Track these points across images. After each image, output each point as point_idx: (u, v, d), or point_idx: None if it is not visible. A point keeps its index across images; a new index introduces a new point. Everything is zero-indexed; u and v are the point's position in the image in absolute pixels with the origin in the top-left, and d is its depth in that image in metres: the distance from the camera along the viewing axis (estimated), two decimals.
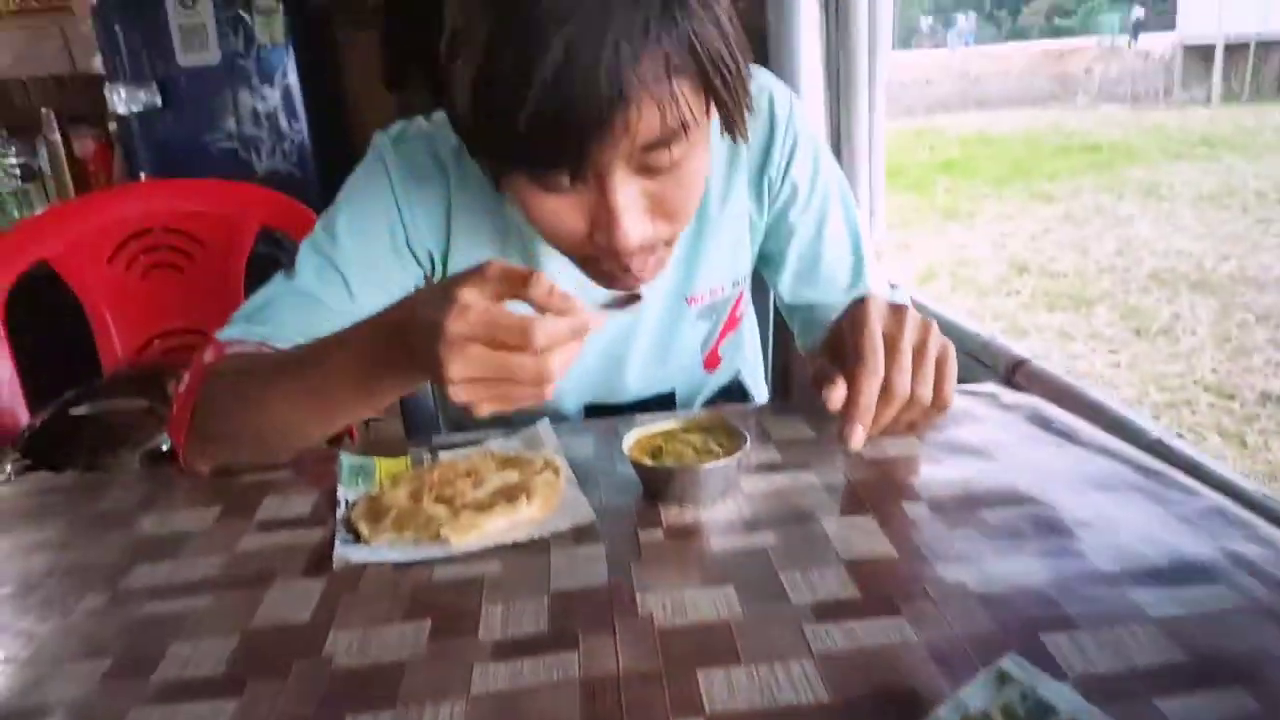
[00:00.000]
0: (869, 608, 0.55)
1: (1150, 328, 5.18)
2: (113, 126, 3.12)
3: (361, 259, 0.90)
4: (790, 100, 0.97)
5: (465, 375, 0.61)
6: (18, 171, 3.23)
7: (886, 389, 0.70)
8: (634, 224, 0.73)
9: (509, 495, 0.71)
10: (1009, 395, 0.87)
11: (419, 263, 0.94)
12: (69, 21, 3.36)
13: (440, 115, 0.94)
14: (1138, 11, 28.48)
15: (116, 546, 0.72)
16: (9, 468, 1.21)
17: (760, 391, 1.22)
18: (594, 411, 1.04)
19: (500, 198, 0.88)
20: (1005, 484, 0.70)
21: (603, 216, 0.73)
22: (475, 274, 0.62)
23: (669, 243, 0.81)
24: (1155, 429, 0.81)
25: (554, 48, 0.63)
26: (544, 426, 0.87)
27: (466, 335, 0.60)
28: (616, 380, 1.03)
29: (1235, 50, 17.99)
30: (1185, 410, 4.17)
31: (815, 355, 0.83)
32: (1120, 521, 0.63)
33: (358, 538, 0.69)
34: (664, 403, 1.06)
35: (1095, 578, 0.57)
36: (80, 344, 1.47)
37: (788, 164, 0.96)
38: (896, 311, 0.73)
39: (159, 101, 2.97)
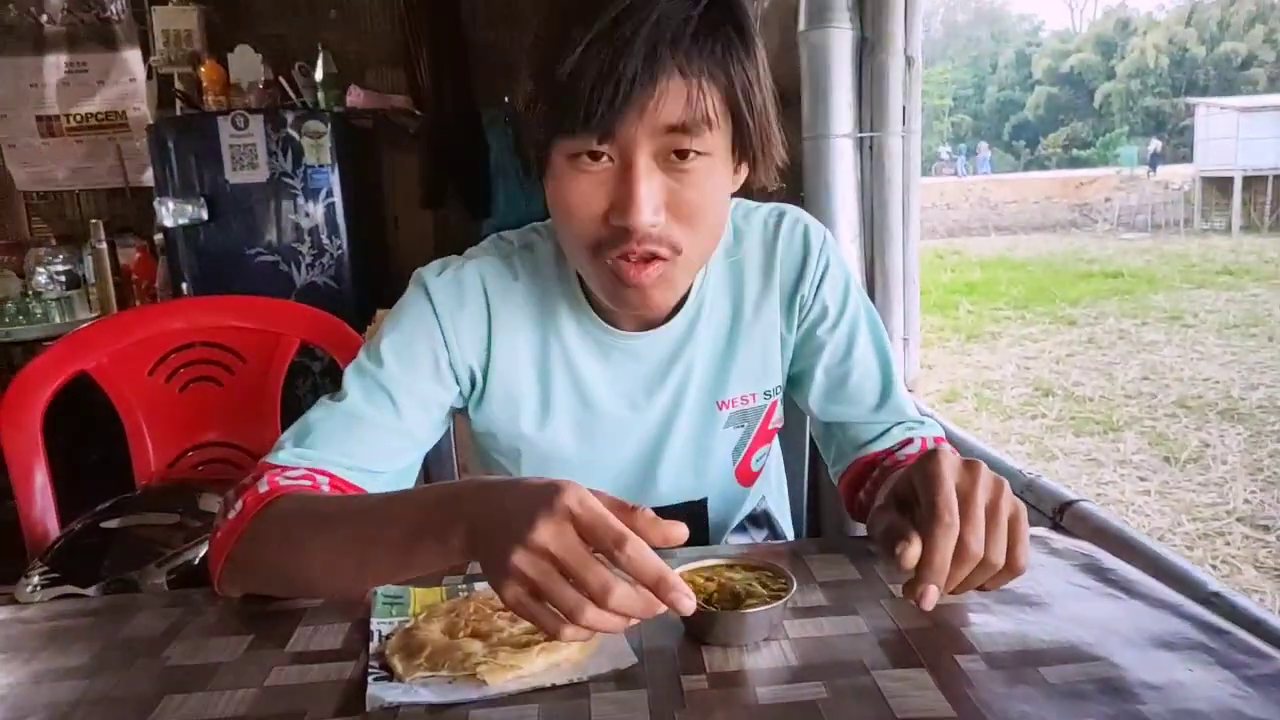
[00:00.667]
0: None
1: (1180, 455, 5.10)
2: (158, 238, 3.21)
3: (407, 380, 0.92)
4: (824, 233, 1.02)
5: (549, 547, 0.59)
6: (63, 278, 3.33)
7: (960, 549, 0.68)
8: (648, 203, 0.77)
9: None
10: (1060, 540, 0.85)
11: (458, 381, 0.97)
12: (125, 138, 3.52)
13: (476, 249, 1.01)
14: (1155, 144, 29.20)
15: (145, 676, 0.70)
16: (35, 579, 1.21)
17: (786, 525, 1.22)
18: None
19: (540, 309, 0.96)
20: (1063, 638, 0.68)
21: (622, 197, 0.78)
22: (583, 490, 0.62)
23: (676, 256, 0.82)
24: (1213, 581, 0.78)
25: (600, 21, 0.73)
26: None
27: (576, 513, 0.60)
28: (649, 483, 1.03)
29: (1253, 181, 18.30)
30: (1219, 541, 4.07)
31: (881, 509, 0.81)
32: (1188, 685, 0.61)
33: (390, 673, 0.67)
34: (695, 510, 1.05)
35: None
36: (116, 454, 1.48)
37: (819, 286, 1.00)
38: (969, 467, 0.72)
39: (205, 215, 3.07)
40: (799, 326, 1.01)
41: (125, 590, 1.17)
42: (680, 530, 0.62)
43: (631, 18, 0.73)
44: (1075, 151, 41.49)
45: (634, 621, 0.61)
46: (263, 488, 0.83)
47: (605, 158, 0.78)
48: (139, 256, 3.30)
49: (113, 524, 1.24)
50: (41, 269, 3.32)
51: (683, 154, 0.78)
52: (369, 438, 0.90)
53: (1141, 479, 4.85)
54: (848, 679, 0.64)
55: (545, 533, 0.59)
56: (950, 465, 0.71)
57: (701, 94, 0.76)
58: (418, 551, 0.71)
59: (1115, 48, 42.70)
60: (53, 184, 3.57)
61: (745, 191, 0.94)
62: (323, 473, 0.87)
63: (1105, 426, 5.76)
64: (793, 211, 1.02)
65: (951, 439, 1.33)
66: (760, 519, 1.16)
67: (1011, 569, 0.71)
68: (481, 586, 0.81)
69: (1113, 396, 6.44)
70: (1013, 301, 10.65)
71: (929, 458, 0.72)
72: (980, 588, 0.72)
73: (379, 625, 0.74)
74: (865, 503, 0.97)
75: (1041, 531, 0.88)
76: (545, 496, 0.61)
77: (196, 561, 1.22)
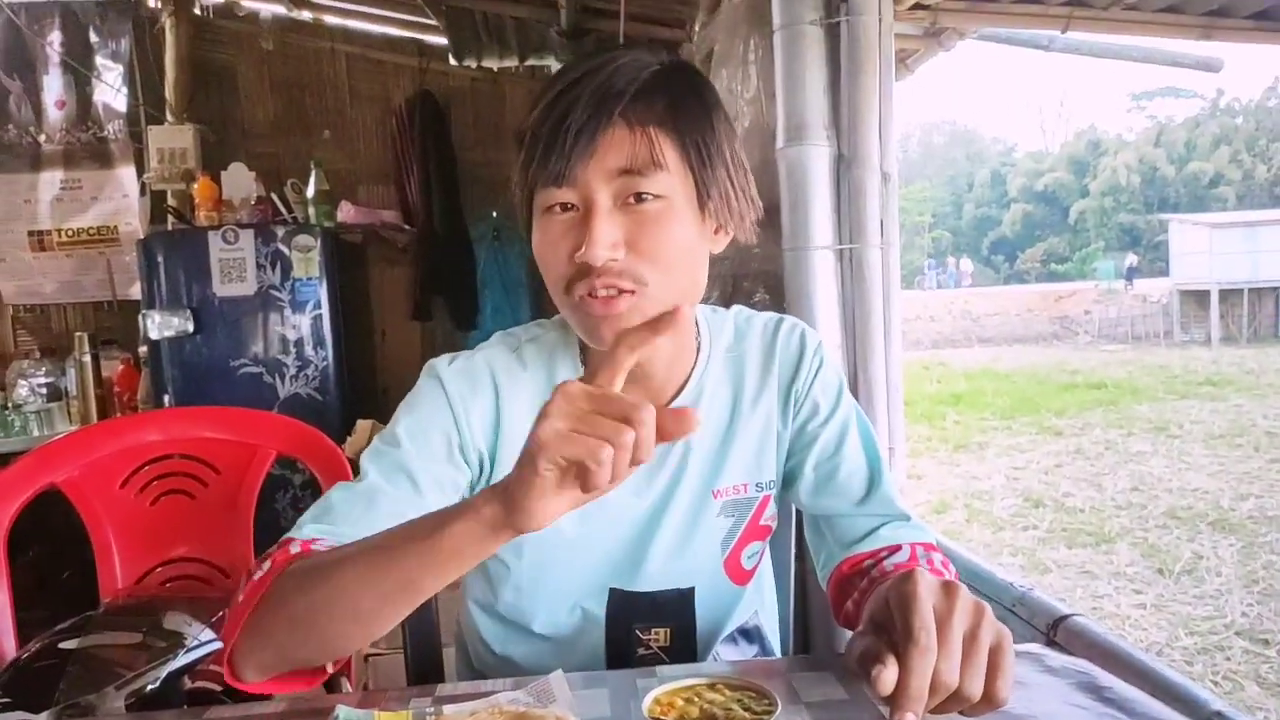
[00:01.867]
0: None
1: (1173, 567, 5.05)
2: (143, 350, 3.21)
3: (423, 460, 0.94)
4: (819, 339, 1.07)
5: (558, 421, 0.64)
6: (44, 390, 3.31)
7: (933, 679, 0.65)
8: (603, 240, 0.83)
9: None
10: (1055, 657, 0.82)
11: (469, 466, 0.98)
12: (115, 252, 3.55)
13: (485, 343, 1.04)
14: (1131, 258, 29.95)
15: None
16: None
17: (776, 643, 1.18)
18: (615, 597, 1.03)
19: (546, 393, 0.94)
20: None
21: (582, 234, 0.84)
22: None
23: (642, 289, 0.86)
24: (1215, 700, 0.75)
25: (559, 85, 0.85)
26: (556, 679, 0.81)
27: (576, 396, 0.64)
28: (640, 564, 1.02)
29: (1229, 294, 18.70)
30: (1219, 656, 3.98)
31: (859, 634, 0.78)
32: None
33: None
34: (684, 598, 1.04)
35: None
36: (86, 570, 1.43)
37: (811, 384, 1.03)
38: (947, 590, 0.69)
39: (190, 327, 3.07)
40: (793, 421, 1.04)
41: (80, 716, 1.11)
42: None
43: (586, 80, 0.84)
44: (1053, 265, 42.42)
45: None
46: (294, 549, 0.84)
47: (572, 206, 0.86)
48: (122, 369, 3.28)
49: (71, 644, 1.18)
50: (24, 381, 3.29)
51: (640, 196, 0.84)
52: (391, 513, 0.89)
53: (1136, 591, 4.78)
54: None
55: (560, 403, 0.64)
56: (927, 586, 0.69)
57: (646, 139, 0.84)
58: (446, 536, 0.70)
59: (1088, 167, 44.18)
60: (40, 297, 3.58)
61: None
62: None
63: (1097, 538, 5.71)
64: (790, 319, 1.08)
65: (945, 553, 1.31)
66: (752, 634, 1.13)
67: (990, 700, 0.67)
68: (450, 710, 0.77)
69: (1103, 507, 6.40)
70: (999, 412, 10.70)
71: (905, 579, 0.70)
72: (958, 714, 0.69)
73: None
74: (853, 613, 0.94)
75: (1035, 648, 0.85)
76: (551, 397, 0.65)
77: (159, 683, 1.17)
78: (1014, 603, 1.05)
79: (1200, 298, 19.16)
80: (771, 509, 1.07)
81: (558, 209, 0.86)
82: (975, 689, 0.66)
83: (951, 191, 53.07)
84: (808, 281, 1.64)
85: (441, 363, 1.01)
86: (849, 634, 0.95)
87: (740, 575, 1.07)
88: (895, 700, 0.65)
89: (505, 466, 0.98)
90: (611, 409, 0.63)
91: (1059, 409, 10.58)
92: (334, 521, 0.89)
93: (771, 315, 1.08)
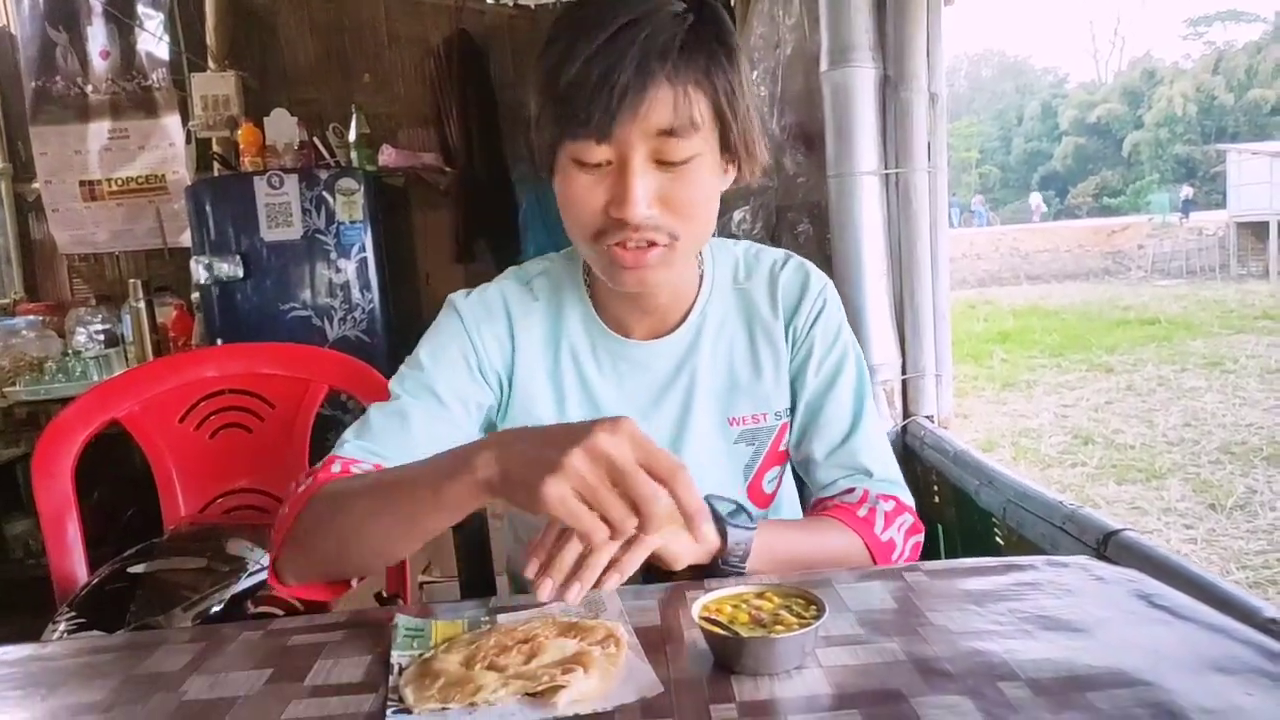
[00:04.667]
0: None
1: (1225, 502, 4.97)
2: (195, 296, 3.27)
3: (445, 377, 1.01)
4: (826, 281, 1.09)
5: (578, 477, 0.66)
6: (102, 337, 3.39)
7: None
8: (641, 199, 0.85)
9: (565, 667, 0.67)
10: (1104, 568, 0.82)
11: (489, 386, 1.05)
12: (164, 201, 3.60)
13: (499, 277, 1.10)
14: (1186, 191, 29.01)
15: (161, 711, 0.69)
16: (62, 626, 1.20)
17: None
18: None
19: (556, 324, 1.06)
20: (1111, 664, 0.65)
21: (619, 193, 0.86)
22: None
23: (673, 242, 0.89)
24: (1269, 608, 0.74)
25: (599, 36, 0.82)
26: (608, 590, 0.83)
27: (634, 432, 0.68)
28: None
29: None
30: (1272, 590, 3.94)
31: None
32: (1249, 711, 0.57)
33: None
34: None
35: None
36: (149, 507, 1.48)
37: (813, 322, 1.06)
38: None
39: (240, 272, 3.12)
40: (792, 357, 1.07)
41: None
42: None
43: (626, 34, 0.82)
44: (1105, 200, 41.21)
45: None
46: (335, 468, 0.91)
47: (604, 158, 0.86)
48: (176, 314, 3.35)
49: (139, 569, 1.23)
50: (81, 328, 3.38)
51: (673, 154, 0.86)
52: (424, 429, 0.97)
53: (1187, 526, 4.73)
54: (885, 707, 0.61)
55: (608, 441, 0.66)
56: None
57: (688, 100, 0.84)
58: (446, 488, 0.75)
59: (1142, 97, 42.59)
60: (93, 246, 3.66)
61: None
62: (386, 464, 0.93)
63: (1148, 474, 5.63)
64: (798, 258, 1.10)
65: (984, 472, 1.30)
66: None
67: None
68: (503, 619, 0.79)
69: (1154, 443, 6.30)
70: (1048, 350, 10.53)
71: None
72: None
73: (399, 658, 0.73)
74: None
75: (1084, 559, 0.85)
76: (607, 420, 0.68)
77: (222, 606, 1.21)
78: (1063, 520, 1.04)
79: (1258, 230, 18.53)
80: (789, 435, 1.10)
81: (588, 159, 0.86)
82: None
83: (1000, 126, 51.64)
84: (852, 209, 1.62)
85: (458, 295, 1.08)
86: None
87: (762, 499, 1.11)
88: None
89: (519, 390, 1.05)
90: (632, 489, 0.66)
91: (1110, 345, 10.38)
92: (373, 439, 0.96)
93: (780, 252, 1.11)
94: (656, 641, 0.74)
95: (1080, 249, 20.81)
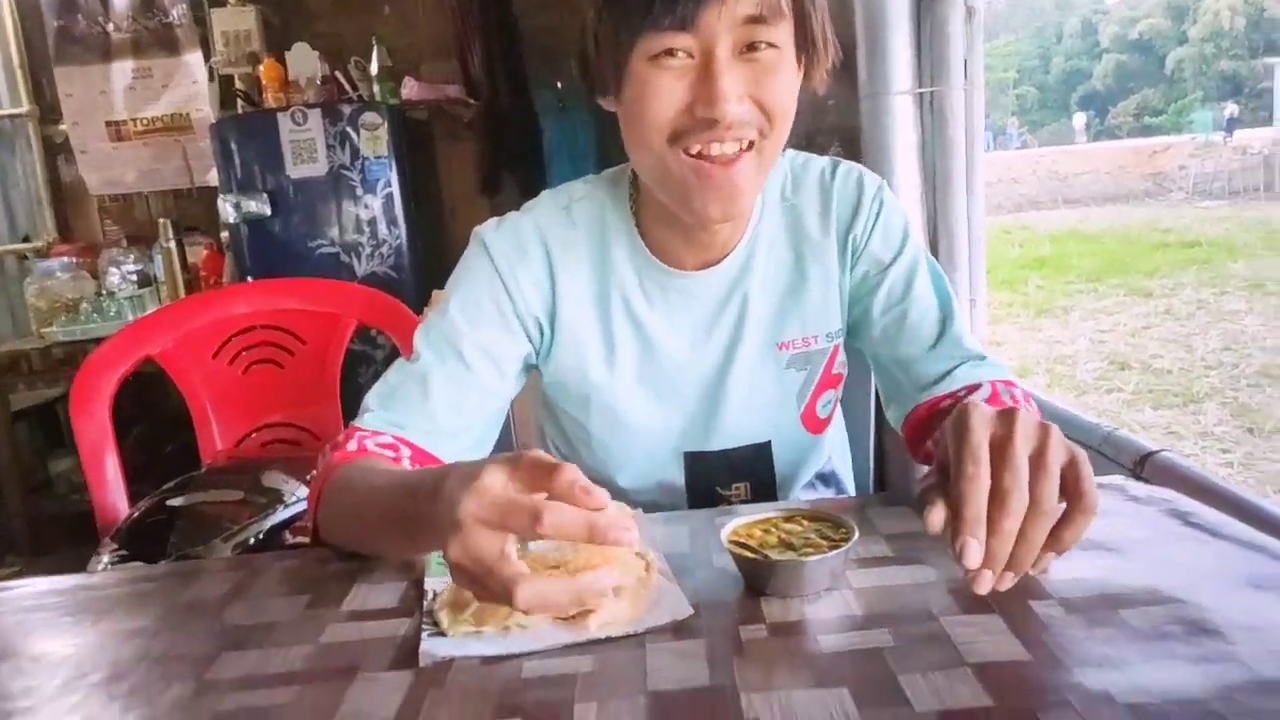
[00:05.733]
0: (1006, 719, 0.50)
1: (1264, 426, 4.89)
2: (224, 234, 3.28)
3: (474, 334, 0.95)
4: (880, 181, 1.03)
5: (459, 560, 0.59)
6: (134, 277, 3.43)
7: (998, 496, 0.61)
8: (732, 93, 0.80)
9: None
10: (1139, 488, 0.81)
11: (528, 334, 0.99)
12: (190, 140, 3.59)
13: (532, 202, 1.02)
14: (1231, 108, 28.06)
15: (204, 636, 0.71)
16: (105, 558, 1.23)
17: (851, 489, 1.21)
18: (691, 460, 1.05)
19: (600, 254, 0.98)
20: (1145, 583, 0.64)
21: (705, 89, 0.80)
22: (505, 460, 0.61)
23: (761, 140, 0.84)
24: None
25: None
26: (638, 516, 0.83)
27: (478, 516, 0.58)
28: (712, 424, 1.03)
29: None
30: None
31: (924, 479, 0.75)
32: None
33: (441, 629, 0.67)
34: (761, 453, 1.05)
35: (1262, 687, 0.50)
36: (183, 436, 1.51)
37: (872, 229, 1.00)
38: (1005, 415, 0.65)
39: (268, 210, 3.12)
40: (852, 269, 1.01)
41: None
42: (603, 498, 0.58)
43: None
44: (1147, 120, 39.98)
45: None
46: (351, 447, 0.88)
47: (685, 54, 0.80)
48: (206, 254, 3.37)
49: (178, 502, 1.26)
50: (114, 269, 3.41)
51: (756, 45, 0.80)
52: (444, 397, 0.93)
53: (1224, 450, 4.67)
54: (915, 626, 0.61)
55: (454, 550, 0.59)
56: (981, 416, 0.65)
57: None
58: (419, 544, 0.75)
59: (1187, 11, 41.00)
60: (122, 187, 3.66)
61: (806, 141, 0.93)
62: (406, 443, 0.91)
63: (1185, 399, 5.55)
64: (847, 163, 1.03)
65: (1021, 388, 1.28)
66: (829, 479, 1.15)
67: (1080, 509, 0.63)
68: (534, 545, 0.80)
69: (1192, 368, 6.20)
70: (1085, 275, 10.33)
71: (959, 412, 0.67)
72: (1056, 548, 0.64)
73: (432, 584, 0.74)
74: (933, 452, 0.93)
75: (1119, 479, 0.84)
76: (449, 512, 0.59)
77: (262, 536, 1.24)
78: (1100, 442, 1.03)
79: None
80: (842, 356, 1.06)
81: (666, 56, 0.80)
82: (1048, 499, 0.61)
83: (1039, 44, 50.04)
84: (886, 130, 1.58)
85: (488, 229, 1.00)
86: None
87: (816, 425, 1.08)
88: (954, 531, 0.61)
89: (564, 330, 0.99)
90: (497, 574, 0.58)
91: (1149, 270, 10.16)
92: (394, 409, 0.92)
93: (828, 159, 1.03)
94: (687, 567, 0.74)
95: (1120, 171, 20.29)
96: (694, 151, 0.83)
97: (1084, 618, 0.60)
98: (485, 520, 0.58)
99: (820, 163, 1.03)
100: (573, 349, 1.00)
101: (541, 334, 1.00)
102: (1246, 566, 0.65)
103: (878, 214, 1.00)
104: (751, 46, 0.80)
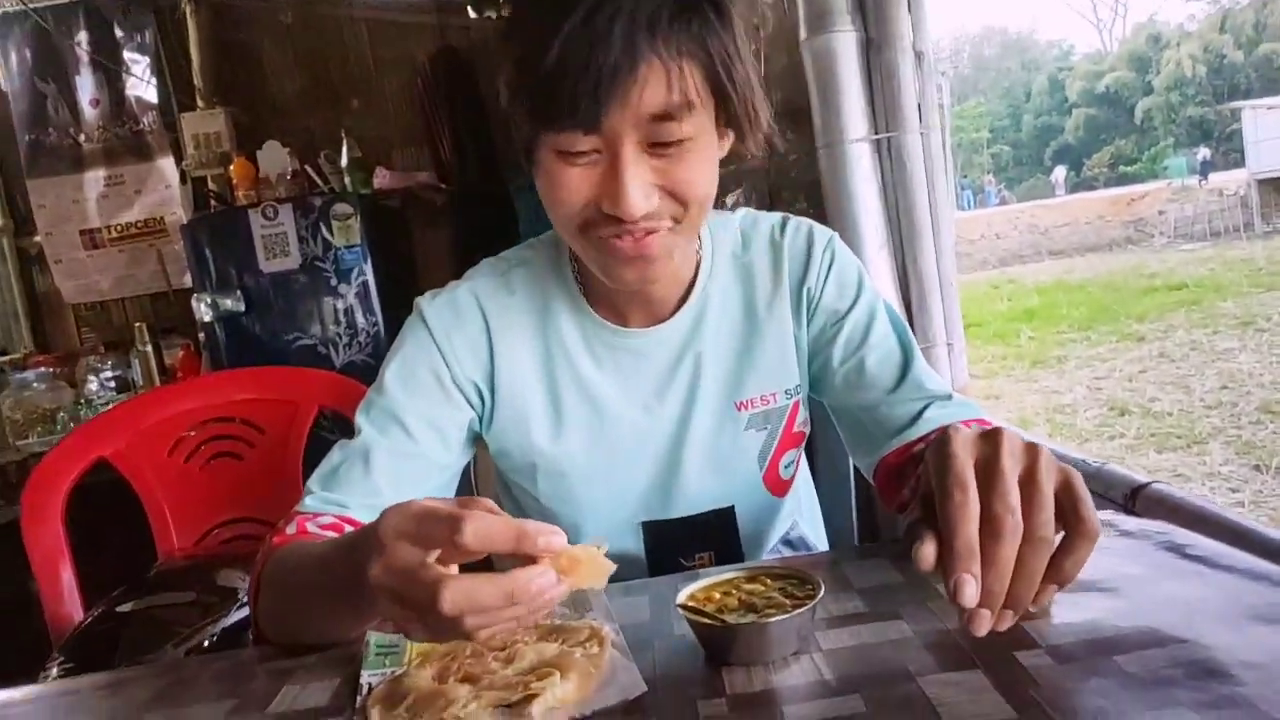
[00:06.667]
0: None
1: (1270, 462, 4.83)
2: (201, 335, 3.25)
3: (413, 404, 0.92)
4: (830, 234, 1.01)
5: (380, 578, 0.58)
6: (113, 384, 3.38)
7: (989, 521, 0.56)
8: (638, 192, 0.76)
9: (542, 673, 0.61)
10: (1131, 522, 0.75)
11: (468, 401, 0.96)
12: (165, 243, 3.59)
13: (471, 270, 1.01)
14: (1203, 152, 28.58)
15: None
16: (54, 671, 1.16)
17: (823, 548, 1.16)
18: (650, 530, 1.00)
19: (541, 319, 0.96)
20: (1142, 624, 0.58)
21: (612, 188, 0.77)
22: (399, 513, 0.59)
23: (676, 225, 0.81)
24: None
25: (576, 13, 0.71)
26: (594, 588, 0.77)
27: (399, 530, 0.58)
28: (673, 491, 0.99)
29: None
30: None
31: (909, 516, 0.70)
32: None
33: None
34: (724, 518, 1.01)
35: None
36: (141, 534, 1.44)
37: (825, 279, 0.98)
38: (988, 436, 0.60)
39: (242, 307, 3.09)
40: (810, 323, 0.99)
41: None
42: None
43: (607, 6, 0.72)
44: (1122, 168, 40.60)
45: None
46: (290, 530, 0.84)
47: (591, 147, 0.77)
48: (183, 355, 3.33)
49: (128, 607, 1.19)
50: (92, 376, 3.36)
51: (668, 137, 0.76)
52: (387, 471, 0.89)
53: (1233, 490, 4.59)
54: (890, 689, 0.55)
55: (376, 569, 0.58)
56: (963, 439, 0.61)
57: (682, 76, 0.75)
58: (356, 598, 0.67)
59: (1150, 62, 41.98)
60: (98, 294, 3.65)
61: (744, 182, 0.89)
62: (350, 521, 0.87)
63: (1188, 440, 5.49)
64: (796, 218, 1.01)
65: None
66: (796, 544, 1.10)
67: (1080, 534, 0.58)
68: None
69: (1192, 409, 6.15)
70: (1076, 323, 10.35)
71: (939, 439, 0.62)
72: (1058, 580, 0.59)
73: (369, 678, 0.67)
74: (909, 499, 0.87)
75: (1110, 515, 0.78)
76: (373, 537, 0.59)
77: (216, 638, 1.17)
78: (1089, 478, 0.97)
79: (1279, 185, 18.21)
80: (803, 414, 1.02)
81: (575, 153, 0.77)
82: (1043, 525, 0.56)
83: (1009, 104, 51.16)
84: (846, 179, 1.56)
85: (425, 299, 0.98)
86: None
87: (780, 486, 1.04)
88: (945, 568, 0.57)
89: (505, 397, 0.96)
90: (419, 580, 0.55)
91: (1139, 314, 10.18)
92: (336, 488, 0.89)
93: (777, 215, 1.02)
94: (646, 638, 0.68)
95: (1100, 220, 20.52)
96: (602, 237, 0.81)
97: (1076, 667, 0.54)
98: (405, 533, 0.57)
99: (770, 219, 1.02)
100: (515, 416, 0.97)
101: (482, 400, 0.97)
102: (1251, 598, 0.59)
103: (830, 265, 0.98)
104: (665, 138, 0.77)
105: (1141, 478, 0.89)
